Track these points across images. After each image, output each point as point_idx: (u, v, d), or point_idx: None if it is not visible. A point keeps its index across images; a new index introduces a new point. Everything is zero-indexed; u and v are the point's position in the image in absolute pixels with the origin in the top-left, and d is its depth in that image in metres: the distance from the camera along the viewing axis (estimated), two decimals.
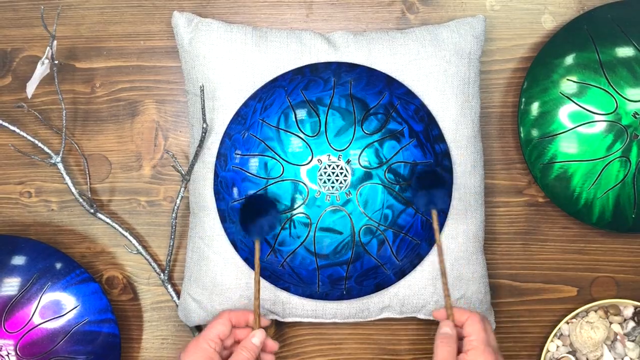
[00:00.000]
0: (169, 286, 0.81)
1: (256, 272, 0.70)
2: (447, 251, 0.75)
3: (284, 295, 0.76)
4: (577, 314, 0.81)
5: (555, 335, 0.81)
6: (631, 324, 0.81)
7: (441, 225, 0.74)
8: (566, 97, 0.78)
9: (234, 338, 0.72)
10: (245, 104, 0.74)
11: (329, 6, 0.82)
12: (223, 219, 0.74)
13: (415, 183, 0.72)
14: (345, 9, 0.82)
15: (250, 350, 0.68)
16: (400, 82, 0.74)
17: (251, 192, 0.73)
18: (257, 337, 0.69)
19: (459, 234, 0.76)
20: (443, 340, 0.66)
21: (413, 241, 0.74)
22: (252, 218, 0.71)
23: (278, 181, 0.73)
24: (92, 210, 0.79)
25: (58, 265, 0.77)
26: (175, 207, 0.78)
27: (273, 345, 0.72)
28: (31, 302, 0.76)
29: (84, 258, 0.82)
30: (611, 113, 0.78)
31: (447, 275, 0.71)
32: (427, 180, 0.72)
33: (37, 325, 0.76)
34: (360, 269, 0.74)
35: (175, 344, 0.82)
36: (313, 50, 0.75)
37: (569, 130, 0.78)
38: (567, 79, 0.78)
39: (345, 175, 0.73)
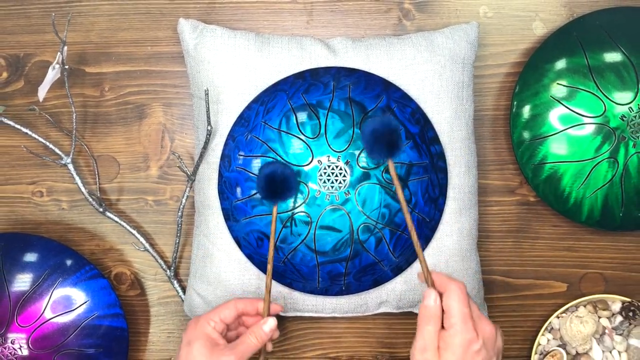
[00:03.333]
0: (175, 282, 0.81)
1: (270, 249, 0.68)
2: (443, 248, 0.75)
3: (285, 290, 0.76)
4: (567, 309, 0.81)
5: (546, 329, 0.81)
6: (619, 319, 0.81)
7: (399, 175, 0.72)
8: (556, 100, 0.78)
9: (242, 324, 0.70)
10: (248, 107, 0.74)
11: (328, 13, 0.82)
12: (227, 218, 0.74)
13: (368, 136, 0.67)
14: (344, 16, 0.82)
15: (259, 337, 0.66)
16: (397, 86, 0.74)
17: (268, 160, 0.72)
18: (268, 324, 0.66)
19: (454, 232, 0.76)
20: (425, 315, 0.61)
21: (409, 239, 0.74)
22: (271, 183, 0.68)
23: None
24: (101, 209, 0.79)
25: (68, 262, 0.77)
26: (181, 206, 0.78)
27: (275, 333, 0.69)
28: (43, 297, 0.76)
29: (94, 255, 0.82)
30: (600, 116, 0.78)
31: (415, 235, 0.64)
32: (380, 132, 0.66)
33: (48, 320, 0.76)
34: (359, 266, 0.74)
35: (181, 337, 0.82)
36: (313, 56, 0.75)
37: (559, 132, 0.78)
38: (557, 83, 0.78)
39: (344, 176, 0.73)
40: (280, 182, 0.68)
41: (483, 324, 0.61)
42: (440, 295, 0.62)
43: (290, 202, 0.73)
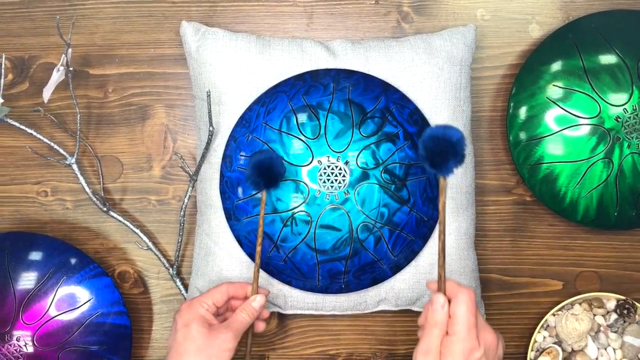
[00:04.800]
0: (177, 280, 0.81)
1: (259, 234, 0.69)
2: None
3: (285, 288, 0.76)
4: (562, 307, 0.81)
5: (542, 326, 0.81)
6: (614, 316, 0.81)
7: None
8: (552, 101, 0.78)
9: (229, 309, 0.72)
10: (250, 108, 0.74)
11: (328, 16, 0.82)
12: (228, 217, 0.75)
13: (427, 147, 0.59)
14: (344, 18, 0.82)
15: (249, 313, 0.68)
16: (395, 87, 0.75)
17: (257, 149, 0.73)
18: (257, 301, 0.69)
19: (451, 231, 0.76)
20: (432, 319, 0.61)
21: (408, 238, 0.74)
22: (260, 170, 0.68)
23: (280, 181, 0.73)
24: (104, 209, 0.79)
25: (73, 261, 0.77)
26: (184, 206, 0.78)
27: (266, 312, 0.72)
28: (47, 295, 0.76)
29: (97, 254, 0.82)
30: (595, 117, 0.78)
31: (445, 250, 0.62)
32: (441, 146, 0.58)
33: (53, 317, 0.76)
34: (358, 264, 0.74)
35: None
36: (313, 58, 0.75)
37: (555, 133, 0.78)
38: (553, 85, 0.78)
39: (343, 176, 0.73)
40: (267, 170, 0.68)
41: (486, 333, 0.61)
42: (448, 300, 0.62)
43: (288, 198, 0.73)
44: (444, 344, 0.60)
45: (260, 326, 0.73)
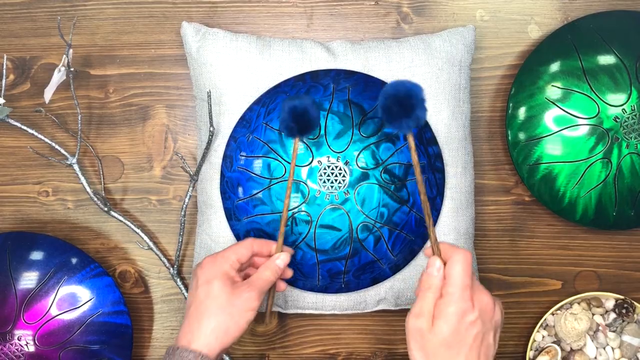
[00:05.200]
0: (178, 280, 0.81)
1: (289, 186, 0.66)
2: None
3: (286, 288, 0.76)
4: (561, 306, 0.81)
5: (541, 325, 0.82)
6: (612, 316, 0.81)
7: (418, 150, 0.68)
8: (551, 102, 0.78)
9: (252, 265, 0.69)
10: (250, 109, 0.74)
11: (328, 17, 0.82)
12: (229, 217, 0.75)
13: (386, 104, 0.59)
14: (343, 19, 0.82)
15: (273, 271, 0.66)
16: None
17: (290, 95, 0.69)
18: (282, 259, 0.67)
19: (451, 230, 0.76)
20: (426, 282, 0.59)
21: (407, 238, 0.74)
22: (294, 115, 0.64)
23: (281, 181, 0.73)
24: (105, 209, 0.79)
25: (74, 260, 0.77)
26: (184, 206, 0.78)
27: (289, 271, 0.69)
28: (49, 295, 0.76)
29: (98, 253, 0.82)
30: (593, 117, 0.78)
31: (429, 207, 0.61)
32: (399, 101, 0.58)
33: (54, 317, 0.76)
34: (358, 264, 0.74)
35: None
36: (313, 58, 0.75)
37: (553, 133, 0.78)
38: (552, 85, 0.78)
39: (343, 176, 0.73)
40: (301, 115, 0.64)
41: (481, 294, 0.59)
42: (444, 264, 0.60)
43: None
44: (437, 306, 0.58)
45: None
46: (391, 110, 0.58)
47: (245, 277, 0.68)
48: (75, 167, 0.78)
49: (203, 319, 0.62)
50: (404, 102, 0.58)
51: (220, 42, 0.75)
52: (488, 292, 0.60)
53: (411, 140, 0.60)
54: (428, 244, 0.72)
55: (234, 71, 0.74)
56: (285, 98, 0.68)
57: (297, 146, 0.66)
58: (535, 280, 0.84)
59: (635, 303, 0.81)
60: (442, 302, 0.58)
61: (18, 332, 0.75)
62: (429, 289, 0.59)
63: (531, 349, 0.81)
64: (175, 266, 0.81)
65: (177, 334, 0.82)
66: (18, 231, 0.80)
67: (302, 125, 0.64)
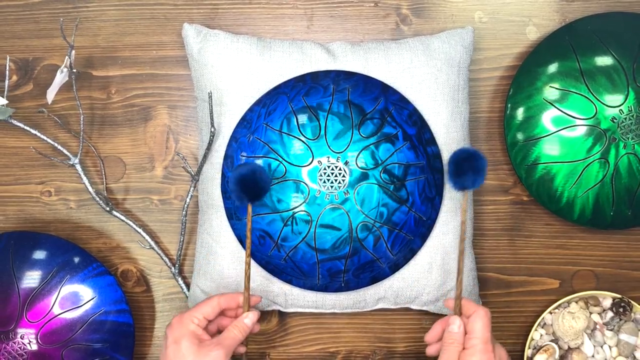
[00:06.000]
0: (179, 279, 0.81)
1: (247, 246, 0.68)
2: (439, 246, 0.76)
3: (286, 287, 0.76)
4: (559, 305, 0.82)
5: (539, 324, 0.82)
6: (609, 314, 0.81)
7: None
8: (549, 103, 0.79)
9: (222, 314, 0.71)
10: (251, 109, 0.74)
11: (328, 18, 0.82)
12: (230, 216, 0.75)
13: (455, 166, 0.67)
14: (343, 21, 0.82)
15: (242, 330, 0.68)
16: (394, 89, 0.75)
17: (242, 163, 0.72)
18: (249, 318, 0.68)
19: (450, 230, 0.76)
20: (449, 338, 0.66)
21: (406, 237, 0.75)
22: (244, 184, 0.66)
23: (281, 181, 0.73)
24: (108, 208, 0.79)
25: (76, 260, 0.77)
26: (186, 206, 0.78)
27: (256, 327, 0.71)
28: (51, 294, 0.76)
29: (100, 253, 0.83)
30: (591, 118, 0.78)
31: (463, 263, 0.68)
32: (467, 163, 0.67)
33: (56, 315, 0.76)
34: (358, 263, 0.74)
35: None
36: (313, 60, 0.75)
37: (551, 133, 0.79)
38: (550, 86, 0.79)
39: (343, 176, 0.73)
40: (252, 183, 0.66)
41: (498, 348, 0.66)
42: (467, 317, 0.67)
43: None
44: (461, 358, 0.64)
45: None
46: (462, 166, 0.67)
47: (218, 327, 0.70)
48: (78, 167, 0.78)
49: None
50: (474, 163, 0.66)
51: (221, 43, 0.75)
52: (503, 347, 0.67)
53: (465, 201, 0.68)
54: (451, 294, 0.77)
55: (235, 72, 0.74)
56: (235, 167, 0.71)
57: (250, 210, 0.68)
58: (533, 279, 0.84)
59: (633, 302, 0.81)
60: (466, 354, 0.65)
61: (21, 331, 0.75)
62: (452, 344, 0.65)
63: (529, 348, 0.81)
64: (177, 265, 0.81)
65: None
66: (21, 231, 0.80)
67: (252, 194, 0.67)
